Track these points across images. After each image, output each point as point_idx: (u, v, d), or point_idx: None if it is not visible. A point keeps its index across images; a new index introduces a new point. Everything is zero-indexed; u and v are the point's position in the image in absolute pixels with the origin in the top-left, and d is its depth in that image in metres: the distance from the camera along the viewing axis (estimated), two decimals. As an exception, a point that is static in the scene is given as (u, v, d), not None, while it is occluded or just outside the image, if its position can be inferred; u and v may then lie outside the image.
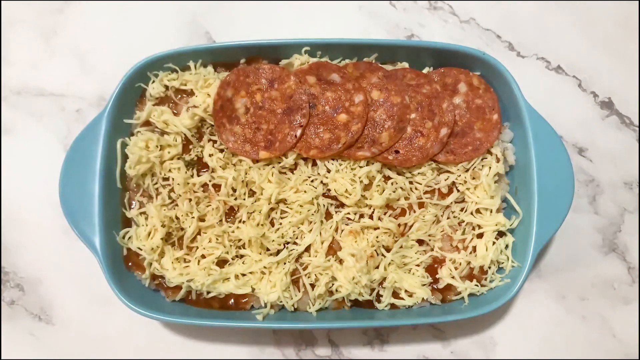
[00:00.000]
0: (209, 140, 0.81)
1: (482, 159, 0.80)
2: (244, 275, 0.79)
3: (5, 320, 0.88)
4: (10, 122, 0.92)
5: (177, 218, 0.79)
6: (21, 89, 0.93)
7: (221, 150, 0.80)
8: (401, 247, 0.79)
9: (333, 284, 0.78)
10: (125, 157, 0.79)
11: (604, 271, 0.90)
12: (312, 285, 0.78)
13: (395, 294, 0.80)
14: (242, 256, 0.80)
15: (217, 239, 0.79)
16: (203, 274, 0.78)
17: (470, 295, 0.79)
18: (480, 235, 0.80)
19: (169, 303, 0.80)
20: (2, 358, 0.87)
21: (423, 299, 0.79)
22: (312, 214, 0.78)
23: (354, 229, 0.79)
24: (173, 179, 0.79)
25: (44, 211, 0.89)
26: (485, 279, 0.79)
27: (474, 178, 0.80)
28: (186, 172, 0.79)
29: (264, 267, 0.78)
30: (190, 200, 0.79)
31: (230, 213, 0.80)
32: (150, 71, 0.79)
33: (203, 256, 0.79)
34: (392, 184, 0.79)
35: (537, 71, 0.94)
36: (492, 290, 0.79)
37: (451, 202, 0.80)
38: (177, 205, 0.79)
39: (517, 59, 0.95)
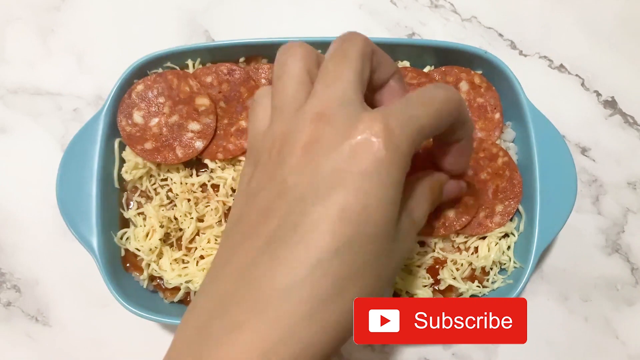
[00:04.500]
0: (208, 139, 0.80)
1: (484, 159, 0.79)
2: (243, 276, 0.78)
3: (1, 321, 0.87)
4: (6, 121, 0.91)
5: (175, 218, 0.78)
6: (17, 87, 0.92)
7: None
8: (402, 247, 0.78)
9: (333, 285, 0.78)
10: (123, 158, 0.78)
11: (607, 272, 0.89)
12: (312, 287, 0.77)
13: (396, 295, 0.79)
14: (241, 257, 0.79)
15: (216, 240, 0.78)
16: (202, 275, 0.77)
17: (472, 296, 0.78)
18: (482, 236, 0.79)
19: (167, 304, 0.79)
20: (-2, 360, 0.86)
21: (424, 300, 0.78)
22: (312, 215, 0.77)
23: (355, 229, 0.78)
24: (171, 178, 0.78)
25: (41, 211, 0.88)
26: (487, 280, 0.78)
27: (475, 178, 0.79)
28: (184, 172, 0.78)
29: (264, 268, 0.77)
30: (188, 200, 0.78)
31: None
32: (148, 70, 0.78)
33: (202, 257, 0.78)
34: (393, 184, 0.78)
35: (539, 70, 0.93)
36: (494, 292, 0.78)
37: (453, 202, 0.79)
38: (175, 205, 0.78)
39: (519, 58, 0.94)
